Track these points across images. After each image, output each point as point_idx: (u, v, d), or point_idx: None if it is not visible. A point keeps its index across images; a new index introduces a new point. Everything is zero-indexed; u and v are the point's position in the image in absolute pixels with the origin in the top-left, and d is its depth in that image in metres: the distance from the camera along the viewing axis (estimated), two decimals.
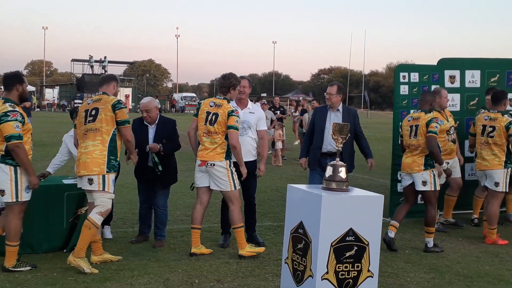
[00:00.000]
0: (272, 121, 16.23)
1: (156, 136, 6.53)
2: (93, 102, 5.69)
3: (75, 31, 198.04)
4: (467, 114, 8.65)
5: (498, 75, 8.77)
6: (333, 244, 3.77)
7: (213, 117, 6.01)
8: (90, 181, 5.54)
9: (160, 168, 6.48)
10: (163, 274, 5.50)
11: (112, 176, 5.62)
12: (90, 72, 62.46)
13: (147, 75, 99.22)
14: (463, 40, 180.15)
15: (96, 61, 63.29)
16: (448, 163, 7.50)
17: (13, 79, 5.52)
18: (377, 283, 3.97)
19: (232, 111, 6.02)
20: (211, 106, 6.11)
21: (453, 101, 8.55)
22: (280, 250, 5.85)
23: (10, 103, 5.36)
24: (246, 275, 5.54)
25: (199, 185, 6.25)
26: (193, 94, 74.44)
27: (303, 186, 4.22)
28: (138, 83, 76.20)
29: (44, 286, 5.10)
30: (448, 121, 7.59)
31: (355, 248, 3.84)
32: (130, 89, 62.22)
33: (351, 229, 3.81)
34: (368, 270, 3.89)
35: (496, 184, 7.07)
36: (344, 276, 3.82)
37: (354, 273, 3.85)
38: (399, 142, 7.23)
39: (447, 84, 8.53)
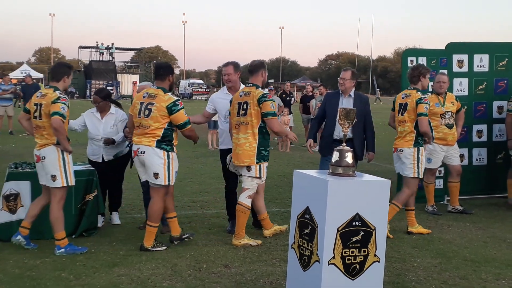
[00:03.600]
0: (279, 107, 16.16)
1: None
2: (244, 95, 6.01)
3: (82, 18, 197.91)
4: (475, 99, 8.61)
5: (506, 59, 8.72)
6: (339, 229, 3.77)
7: (404, 107, 6.56)
8: (249, 169, 5.97)
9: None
10: (171, 260, 5.54)
11: (265, 164, 6.06)
12: (98, 59, 62.45)
13: (154, 61, 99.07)
14: (471, 24, 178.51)
15: (104, 48, 63.22)
16: (441, 148, 7.66)
17: (167, 70, 5.93)
18: (384, 268, 3.98)
19: (421, 99, 6.46)
20: (403, 98, 6.64)
21: (461, 86, 8.51)
22: (287, 235, 5.87)
23: (168, 92, 5.81)
24: (253, 261, 5.57)
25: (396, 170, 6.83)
26: (200, 81, 74.31)
27: (309, 172, 4.22)
28: (145, 70, 75.98)
29: (53, 271, 5.15)
30: (443, 105, 7.60)
31: (362, 233, 3.83)
32: (138, 75, 62.21)
33: (357, 214, 3.81)
34: (375, 255, 3.89)
35: None
36: (350, 261, 3.82)
37: (360, 258, 3.85)
38: None
39: (455, 68, 8.47)
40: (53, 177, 5.54)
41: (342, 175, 3.95)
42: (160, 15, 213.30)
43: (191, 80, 71.50)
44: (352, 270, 3.84)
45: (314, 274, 3.85)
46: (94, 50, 63.81)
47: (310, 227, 3.93)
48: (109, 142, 6.68)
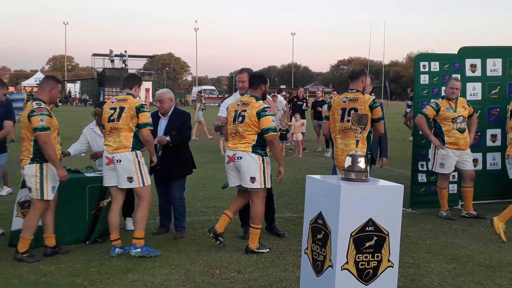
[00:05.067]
0: (284, 112, 16.11)
1: (167, 128, 6.55)
2: (348, 101, 6.17)
3: (95, 26, 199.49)
4: (489, 103, 8.56)
5: None
6: (352, 234, 3.77)
7: None
8: None
9: (158, 166, 6.47)
10: (184, 265, 5.56)
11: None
12: (111, 67, 62.88)
13: (167, 68, 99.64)
14: (485, 28, 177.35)
15: (116, 56, 63.65)
16: (454, 152, 7.62)
17: (259, 80, 6.12)
18: (398, 273, 3.96)
19: None
20: None
21: (474, 90, 8.47)
22: (300, 241, 5.86)
23: (260, 100, 6.03)
24: (266, 266, 5.57)
25: None
26: (212, 87, 74.68)
27: (322, 177, 4.22)
28: (158, 77, 76.51)
29: (68, 277, 5.18)
30: (454, 110, 7.58)
31: (375, 238, 3.83)
32: (150, 82, 62.57)
33: (370, 219, 3.80)
34: (389, 260, 3.89)
35: None
36: (364, 266, 3.82)
37: (374, 263, 3.85)
38: None
39: (468, 73, 8.44)
40: (130, 179, 5.74)
41: (355, 180, 3.95)
42: (173, 22, 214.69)
43: (203, 87, 71.84)
44: (366, 275, 3.83)
45: (328, 279, 3.85)
46: (107, 57, 64.26)
47: (323, 233, 3.93)
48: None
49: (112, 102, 5.90)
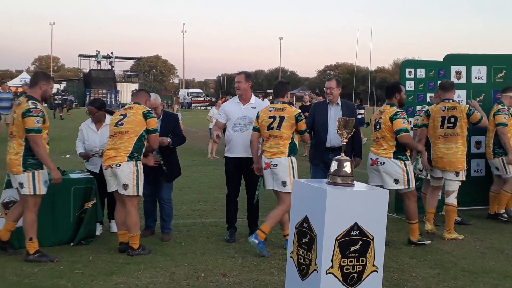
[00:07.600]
0: None
1: (161, 131, 6.56)
2: (447, 110, 7.05)
3: (82, 27, 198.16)
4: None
5: (504, 71, 8.76)
6: (338, 238, 3.77)
7: None
8: (457, 174, 7.02)
9: (165, 168, 6.62)
10: (169, 268, 5.54)
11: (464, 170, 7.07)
12: (97, 68, 62.56)
13: (154, 71, 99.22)
14: (470, 36, 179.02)
15: (103, 57, 63.35)
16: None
17: (393, 89, 6.62)
18: (382, 278, 3.98)
19: None
20: None
21: (459, 97, 8.52)
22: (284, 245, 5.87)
23: (394, 106, 6.55)
24: (251, 270, 5.57)
25: None
26: (200, 90, 74.59)
27: (308, 181, 4.23)
28: (145, 79, 76.20)
29: (51, 279, 5.14)
30: None
31: (360, 242, 3.84)
32: (137, 84, 62.40)
33: (356, 223, 3.81)
34: (373, 265, 3.89)
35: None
36: (349, 271, 3.82)
37: (359, 268, 3.85)
38: None
39: (453, 80, 8.49)
40: (284, 183, 6.02)
41: (341, 185, 3.96)
42: (160, 24, 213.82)
43: (190, 90, 71.75)
44: (351, 279, 3.83)
45: (313, 283, 3.85)
46: (94, 59, 63.95)
47: (308, 236, 3.93)
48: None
49: (270, 111, 6.18)
